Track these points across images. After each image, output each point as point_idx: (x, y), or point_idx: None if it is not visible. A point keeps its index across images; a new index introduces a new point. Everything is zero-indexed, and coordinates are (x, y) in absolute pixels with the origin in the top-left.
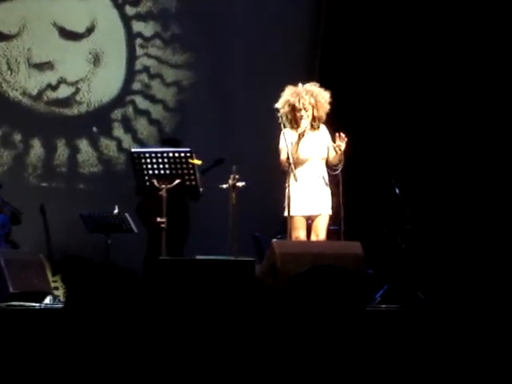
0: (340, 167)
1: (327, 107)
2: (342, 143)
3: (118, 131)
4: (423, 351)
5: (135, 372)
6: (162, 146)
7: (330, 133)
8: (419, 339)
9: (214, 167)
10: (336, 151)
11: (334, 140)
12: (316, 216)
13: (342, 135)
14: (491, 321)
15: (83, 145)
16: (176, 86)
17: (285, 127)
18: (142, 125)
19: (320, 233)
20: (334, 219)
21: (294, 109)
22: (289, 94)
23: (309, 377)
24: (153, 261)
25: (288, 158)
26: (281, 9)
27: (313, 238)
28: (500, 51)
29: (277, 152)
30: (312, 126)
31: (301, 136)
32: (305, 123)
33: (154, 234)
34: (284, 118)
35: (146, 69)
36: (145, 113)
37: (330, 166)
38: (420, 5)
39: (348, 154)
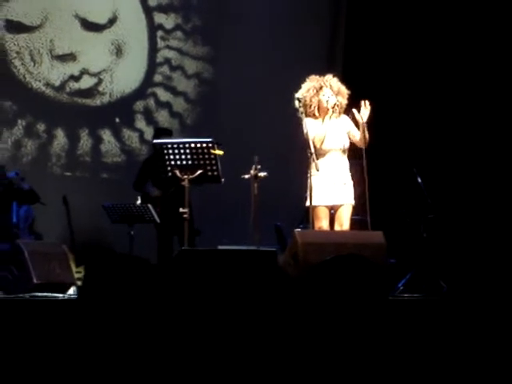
0: (364, 148)
1: (346, 100)
2: (366, 111)
3: (141, 123)
4: (445, 340)
5: (157, 361)
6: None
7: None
8: (442, 328)
9: None
10: (360, 122)
11: (357, 125)
12: (339, 206)
13: (367, 103)
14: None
15: (106, 135)
16: (197, 78)
17: (305, 117)
18: (163, 117)
19: (344, 223)
20: (357, 209)
21: (318, 93)
22: (313, 80)
23: (330, 364)
24: (165, 251)
25: (309, 147)
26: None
27: (336, 228)
28: None
29: (301, 140)
30: (333, 112)
31: (324, 117)
32: (333, 99)
33: (160, 226)
34: (307, 105)
35: (167, 61)
36: (166, 105)
37: (353, 154)
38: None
39: (371, 125)
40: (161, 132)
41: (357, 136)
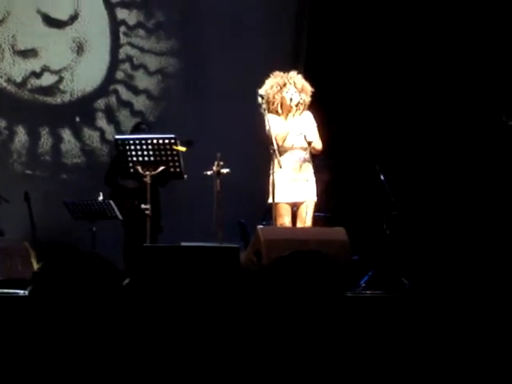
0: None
1: (310, 97)
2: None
3: (102, 121)
4: (407, 337)
5: (117, 361)
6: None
7: (316, 121)
8: (403, 325)
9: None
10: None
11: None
12: (301, 203)
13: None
14: (475, 306)
15: (66, 134)
16: (160, 73)
17: (268, 113)
18: (124, 116)
19: (306, 219)
20: (320, 206)
21: (282, 90)
22: (277, 77)
23: (289, 360)
24: (131, 248)
25: (272, 143)
26: None
27: (298, 225)
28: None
29: (263, 137)
30: (297, 109)
31: (287, 114)
32: (296, 96)
33: (128, 221)
34: (270, 101)
35: (129, 58)
36: (128, 104)
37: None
38: None
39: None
40: (138, 126)
41: (314, 142)
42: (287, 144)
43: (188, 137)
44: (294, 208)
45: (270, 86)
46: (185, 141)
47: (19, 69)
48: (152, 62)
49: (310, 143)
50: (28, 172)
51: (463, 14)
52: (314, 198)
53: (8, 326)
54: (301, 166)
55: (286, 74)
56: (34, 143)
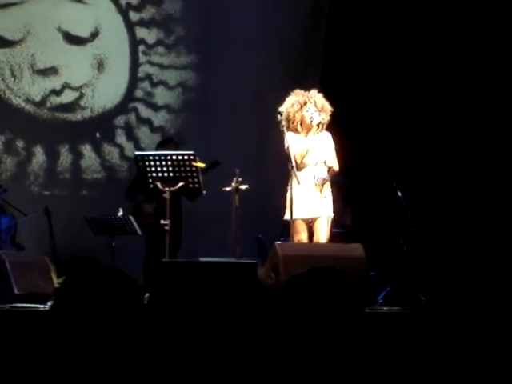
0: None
1: (329, 117)
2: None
3: (121, 138)
4: (425, 353)
5: (138, 373)
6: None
7: (334, 140)
8: (421, 341)
9: (211, 169)
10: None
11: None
12: (316, 218)
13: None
14: (492, 323)
15: (86, 151)
16: (181, 86)
17: (287, 131)
18: (144, 133)
19: (321, 235)
20: (337, 222)
21: (302, 108)
22: (298, 95)
23: (307, 377)
24: (152, 263)
25: (290, 160)
26: (284, 10)
27: (315, 240)
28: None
29: (282, 154)
30: (317, 127)
31: (306, 132)
32: (317, 116)
33: (151, 237)
34: (290, 120)
35: (148, 76)
36: (147, 121)
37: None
38: (419, 4)
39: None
40: (166, 142)
41: (332, 163)
42: (306, 161)
43: (213, 156)
44: (310, 224)
45: (290, 105)
46: (212, 161)
47: (38, 88)
48: (172, 77)
49: (329, 168)
50: (46, 193)
51: (483, 30)
52: (330, 214)
53: (28, 340)
54: (319, 184)
55: (307, 92)
56: (52, 162)
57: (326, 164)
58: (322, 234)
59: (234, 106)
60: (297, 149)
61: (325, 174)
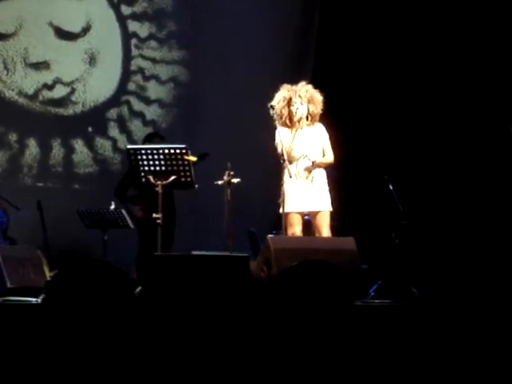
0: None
1: (321, 106)
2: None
3: (114, 131)
4: (416, 345)
5: (129, 366)
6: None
7: (328, 133)
8: (412, 334)
9: (200, 161)
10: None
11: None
12: (316, 213)
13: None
14: (484, 316)
15: (78, 145)
16: (172, 81)
17: (278, 125)
18: (136, 126)
19: (322, 230)
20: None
21: (289, 104)
22: (285, 90)
23: (298, 368)
24: (145, 257)
25: (282, 154)
26: (276, 7)
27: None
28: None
29: (272, 149)
30: (307, 120)
31: (297, 126)
32: (302, 110)
33: (143, 230)
34: (279, 115)
35: (140, 70)
36: (139, 115)
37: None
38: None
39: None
40: (152, 136)
41: (326, 154)
42: (295, 155)
43: (201, 148)
44: (308, 217)
45: (277, 101)
46: (200, 153)
47: (31, 81)
48: (164, 71)
49: (313, 163)
50: (39, 184)
51: (479, 26)
52: (329, 208)
53: (20, 333)
54: (311, 176)
55: (294, 86)
56: (45, 155)
57: (309, 159)
58: (324, 229)
59: (225, 102)
60: (284, 144)
61: (308, 163)
